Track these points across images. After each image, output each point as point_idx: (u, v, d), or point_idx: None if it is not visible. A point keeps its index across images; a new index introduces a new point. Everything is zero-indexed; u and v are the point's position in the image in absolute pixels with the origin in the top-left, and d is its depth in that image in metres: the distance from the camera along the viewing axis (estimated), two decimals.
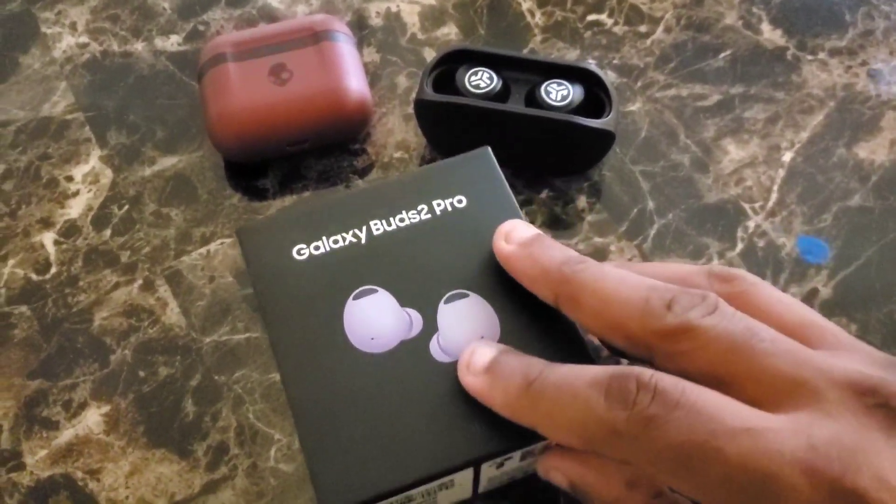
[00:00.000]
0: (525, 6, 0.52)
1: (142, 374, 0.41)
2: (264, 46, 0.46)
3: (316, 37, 0.46)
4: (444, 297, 0.35)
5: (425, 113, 0.44)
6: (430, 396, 0.34)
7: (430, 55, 0.50)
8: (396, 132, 0.48)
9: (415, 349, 0.34)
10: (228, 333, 0.42)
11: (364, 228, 0.37)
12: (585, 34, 0.51)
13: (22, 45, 0.51)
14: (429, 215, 0.37)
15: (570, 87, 0.43)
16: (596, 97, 0.44)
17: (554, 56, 0.50)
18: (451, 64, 0.45)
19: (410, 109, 0.48)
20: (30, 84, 0.50)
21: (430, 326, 0.35)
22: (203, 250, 0.44)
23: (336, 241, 0.36)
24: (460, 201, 0.37)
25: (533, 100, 0.43)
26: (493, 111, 0.42)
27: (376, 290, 0.36)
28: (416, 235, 0.37)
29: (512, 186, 0.45)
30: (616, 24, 0.51)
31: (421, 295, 0.35)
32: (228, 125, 0.44)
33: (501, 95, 0.44)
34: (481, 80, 0.43)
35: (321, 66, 0.45)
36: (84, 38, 0.51)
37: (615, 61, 0.50)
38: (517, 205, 0.36)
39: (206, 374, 0.41)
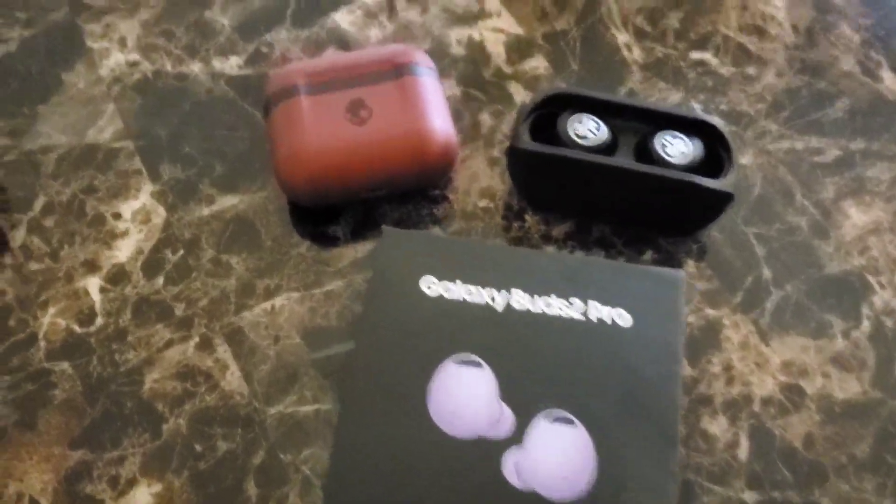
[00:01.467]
0: (621, 39, 0.47)
1: (198, 447, 0.37)
2: (341, 79, 0.41)
3: (398, 70, 0.41)
4: (550, 415, 0.31)
5: (521, 162, 0.39)
6: None
7: (516, 90, 0.45)
8: (481, 177, 0.43)
9: (489, 454, 0.30)
10: (295, 404, 0.38)
11: (504, 294, 0.33)
12: (689, 74, 0.46)
13: (66, 61, 0.47)
14: (580, 315, 0.32)
15: (687, 140, 0.38)
16: (710, 149, 0.39)
17: (657, 100, 0.45)
18: (549, 107, 0.40)
19: (496, 152, 0.44)
20: (74, 106, 0.45)
21: (518, 436, 0.30)
22: (267, 305, 0.40)
23: (470, 293, 0.33)
24: (622, 317, 0.32)
25: (645, 153, 0.39)
26: (602, 166, 0.38)
27: (481, 366, 0.33)
28: (555, 330, 0.32)
29: (611, 245, 0.41)
30: (722, 64, 0.46)
31: (526, 397, 0.31)
32: (300, 167, 0.39)
33: (609, 147, 0.39)
34: (588, 129, 0.39)
35: (403, 104, 0.40)
36: (134, 56, 0.47)
37: (722, 106, 0.45)
38: (682, 353, 0.32)
39: (271, 451, 0.37)
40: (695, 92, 0.45)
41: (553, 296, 0.33)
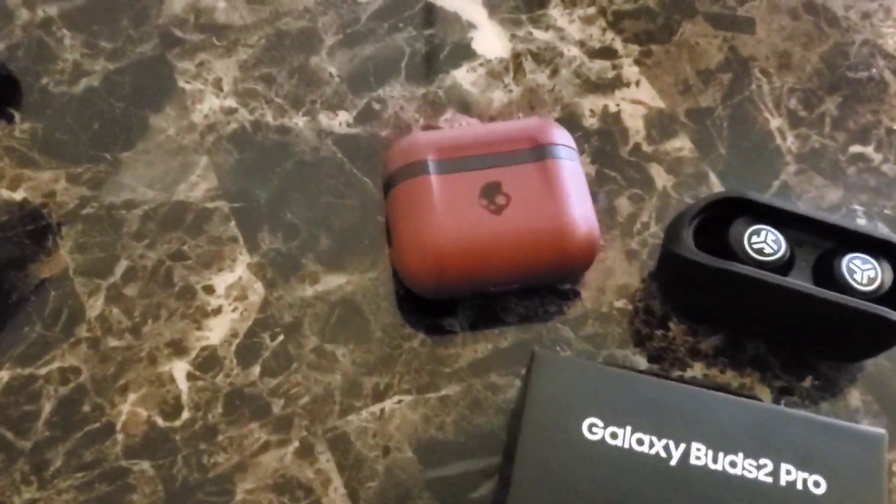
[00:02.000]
0: (774, 124, 0.42)
1: None
2: (475, 156, 0.36)
3: (538, 151, 0.36)
4: None
5: (681, 271, 0.35)
6: None
7: (657, 173, 0.41)
8: (617, 273, 0.38)
9: None
10: None
11: (682, 447, 0.28)
12: (849, 169, 0.41)
13: (155, 102, 0.42)
14: (768, 478, 0.28)
15: (877, 266, 0.34)
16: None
17: (859, 225, 0.40)
18: (712, 209, 0.35)
19: (634, 244, 0.39)
20: (162, 155, 0.40)
21: None
22: (375, 409, 0.35)
23: (640, 442, 0.28)
24: (817, 484, 0.27)
25: (826, 274, 0.34)
26: (778, 287, 0.33)
27: None
28: (739, 498, 0.28)
29: (767, 367, 0.36)
30: (885, 160, 0.41)
31: None
32: (427, 257, 0.34)
33: (787, 267, 0.34)
34: (766, 243, 0.34)
35: (545, 191, 0.35)
36: (231, 102, 0.42)
37: (886, 211, 0.40)
38: None
39: None
40: (854, 191, 0.41)
41: (741, 455, 0.28)
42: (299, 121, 0.41)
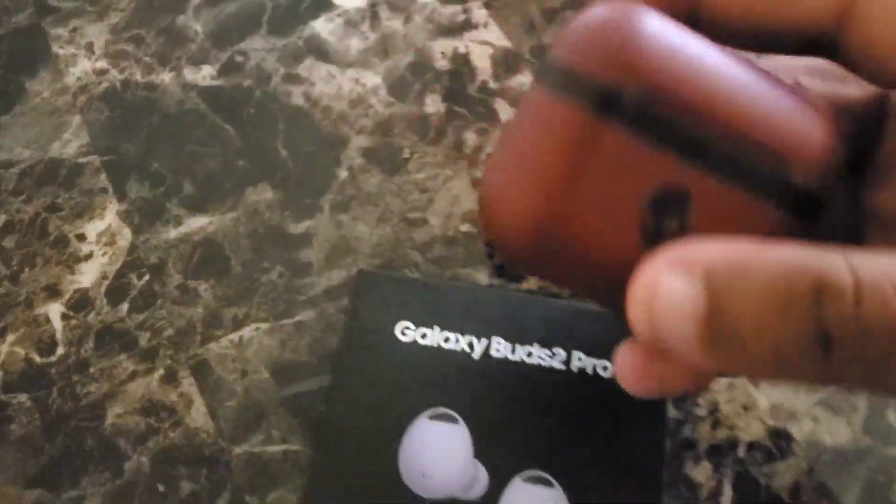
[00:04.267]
0: None
1: (161, 488, 0.35)
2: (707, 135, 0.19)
3: None
4: (526, 475, 0.29)
5: None
6: None
7: (502, 108, 0.43)
8: (463, 200, 0.41)
9: None
10: (262, 444, 0.36)
11: (483, 341, 0.31)
12: None
13: (30, 67, 0.44)
14: (562, 366, 0.31)
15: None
16: None
17: None
18: None
19: (479, 173, 0.42)
20: (38, 117, 0.43)
21: (493, 497, 0.29)
22: (234, 336, 0.38)
23: (447, 340, 0.31)
24: (605, 368, 0.31)
25: None
26: None
27: (457, 421, 0.31)
28: (536, 383, 0.31)
29: None
30: None
31: (503, 455, 0.30)
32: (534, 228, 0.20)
33: None
34: None
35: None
36: (102, 63, 0.44)
37: None
38: (667, 400, 0.30)
39: (236, 493, 0.35)
40: None
41: (537, 346, 0.31)
42: (166, 77, 0.44)
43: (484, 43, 0.45)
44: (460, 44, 0.45)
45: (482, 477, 0.30)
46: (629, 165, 0.19)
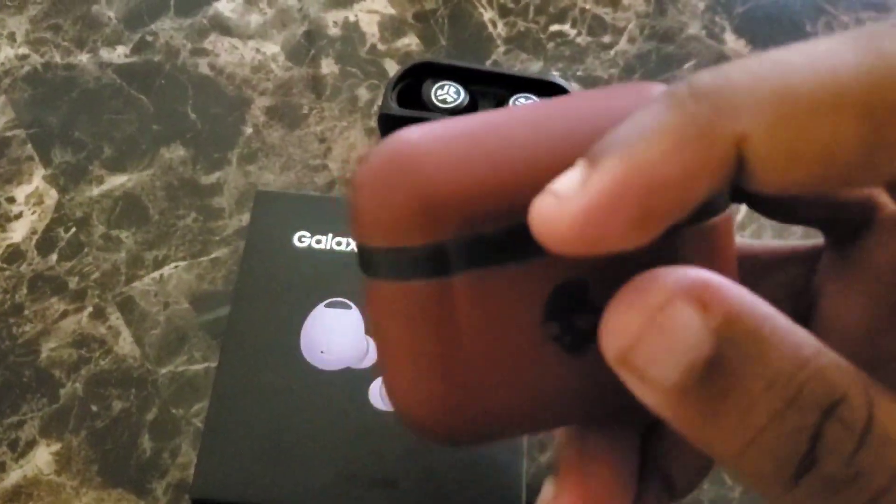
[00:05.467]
0: (487, 16, 0.50)
1: (94, 408, 0.39)
2: None
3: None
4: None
5: (390, 128, 0.43)
6: (345, 436, 0.33)
7: (390, 66, 0.49)
8: (358, 146, 0.46)
9: (356, 381, 0.34)
10: (185, 363, 0.40)
11: None
12: (548, 45, 0.50)
13: None
14: None
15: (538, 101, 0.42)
16: None
17: (519, 69, 0.48)
18: (416, 77, 0.43)
19: (372, 123, 0.47)
20: None
21: None
22: (156, 275, 0.42)
23: (339, 244, 0.36)
24: None
25: None
26: None
27: (350, 307, 0.36)
28: None
29: None
30: (579, 34, 0.50)
31: None
32: (450, 417, 0.19)
33: (469, 110, 0.42)
34: (448, 94, 0.42)
35: None
36: (24, 50, 0.49)
37: (579, 73, 0.49)
38: None
39: (163, 407, 0.39)
40: (553, 61, 0.49)
41: None
42: (83, 58, 0.49)
43: (371, 12, 0.50)
44: (350, 13, 0.50)
45: (372, 349, 0.34)
46: (502, 298, 0.17)
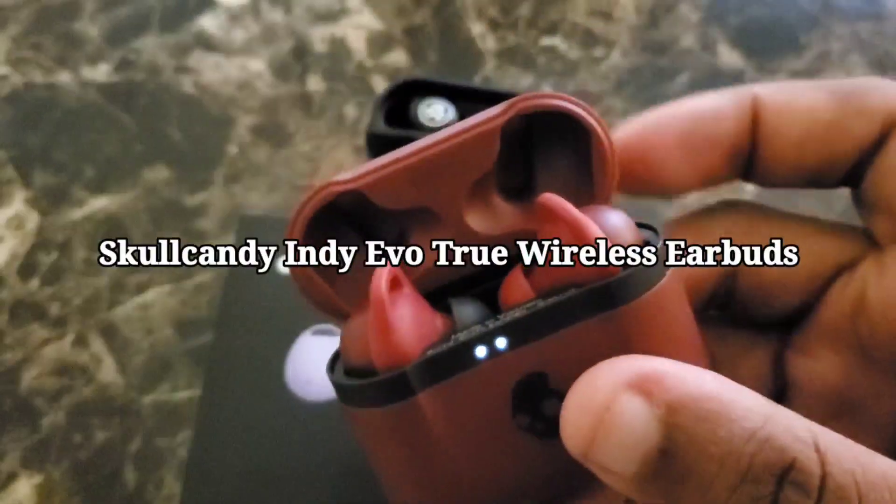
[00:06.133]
0: (476, 31, 0.50)
1: (77, 438, 0.38)
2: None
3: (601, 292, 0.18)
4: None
5: (377, 147, 0.42)
6: (331, 469, 0.33)
7: (378, 83, 0.48)
8: (346, 166, 0.45)
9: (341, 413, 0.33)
10: (169, 391, 0.39)
11: None
12: (539, 59, 0.49)
13: None
14: None
15: None
16: None
17: (510, 85, 0.48)
18: (406, 95, 0.42)
19: (360, 142, 0.46)
20: None
21: None
22: (139, 300, 0.41)
23: None
24: None
25: None
26: None
27: (335, 334, 0.35)
28: None
29: None
30: (570, 48, 0.49)
31: None
32: None
33: None
34: (436, 112, 0.41)
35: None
36: (4, 69, 0.48)
37: (570, 87, 0.48)
38: None
39: (147, 437, 0.38)
40: (545, 76, 0.48)
41: None
42: (65, 77, 0.48)
43: (359, 27, 0.50)
44: (337, 29, 0.49)
45: None
46: (468, 402, 0.18)
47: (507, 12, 0.50)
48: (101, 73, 0.48)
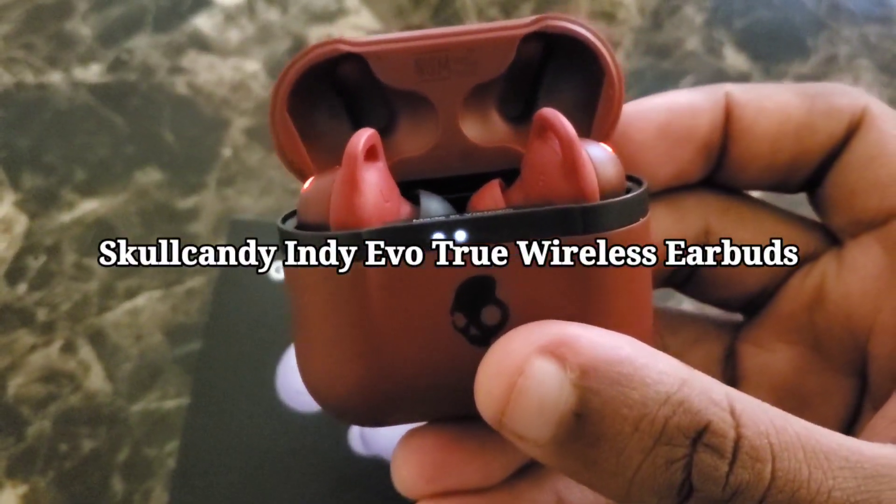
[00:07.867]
0: None
1: (63, 448, 0.37)
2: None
3: (566, 214, 0.18)
4: None
5: None
6: (322, 481, 0.32)
7: None
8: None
9: (334, 424, 0.32)
10: (158, 400, 0.38)
11: None
12: None
13: None
14: None
15: None
16: None
17: None
18: None
19: None
20: None
21: None
22: (129, 305, 0.40)
23: None
24: None
25: None
26: None
27: None
28: None
29: None
30: None
31: None
32: (357, 394, 0.20)
33: None
34: None
35: (573, 293, 0.18)
36: None
37: None
38: None
39: (136, 446, 0.37)
40: None
41: None
42: (56, 77, 0.47)
43: (356, 27, 0.49)
44: (334, 29, 0.49)
45: None
46: (413, 285, 0.18)
47: (508, 13, 0.49)
48: (92, 73, 0.47)
